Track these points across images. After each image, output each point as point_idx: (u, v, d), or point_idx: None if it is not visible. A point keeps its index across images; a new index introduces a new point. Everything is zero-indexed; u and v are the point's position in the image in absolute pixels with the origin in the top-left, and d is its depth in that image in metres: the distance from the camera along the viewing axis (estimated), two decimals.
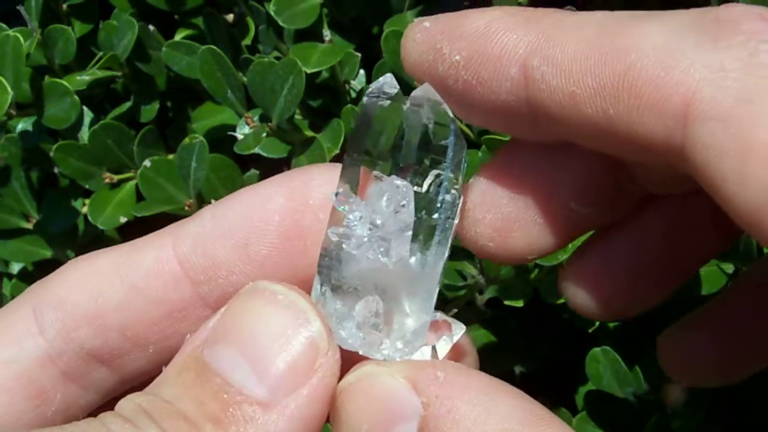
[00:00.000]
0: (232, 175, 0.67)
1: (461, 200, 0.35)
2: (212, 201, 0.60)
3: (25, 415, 0.34)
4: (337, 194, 0.33)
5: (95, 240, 0.73)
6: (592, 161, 0.35)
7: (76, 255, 0.73)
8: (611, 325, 0.63)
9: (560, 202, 0.36)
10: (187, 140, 0.63)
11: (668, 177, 0.34)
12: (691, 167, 0.28)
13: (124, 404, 0.31)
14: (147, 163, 0.66)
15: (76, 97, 0.65)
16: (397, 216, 0.33)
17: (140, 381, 0.36)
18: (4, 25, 0.69)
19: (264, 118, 0.65)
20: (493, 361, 0.61)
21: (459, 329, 0.35)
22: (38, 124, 0.68)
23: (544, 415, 0.30)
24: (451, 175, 0.34)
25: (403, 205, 0.33)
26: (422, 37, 0.34)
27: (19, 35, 0.64)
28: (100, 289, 0.35)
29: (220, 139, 0.69)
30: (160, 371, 0.33)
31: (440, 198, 0.34)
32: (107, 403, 0.36)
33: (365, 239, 0.33)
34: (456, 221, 0.35)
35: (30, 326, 0.35)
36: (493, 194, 0.36)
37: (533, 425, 0.29)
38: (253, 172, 0.68)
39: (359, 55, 0.68)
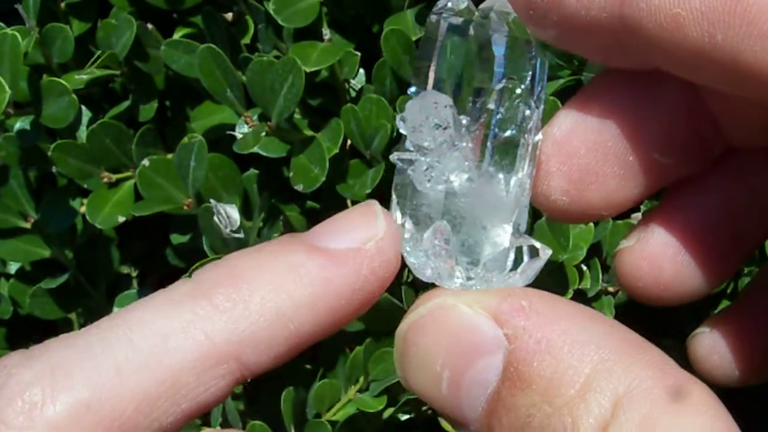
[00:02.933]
0: (231, 175, 0.66)
1: (541, 113, 0.32)
2: (211, 200, 0.60)
3: None
4: (402, 117, 0.31)
5: (93, 239, 0.73)
6: (678, 106, 0.33)
7: (75, 255, 0.73)
8: None
9: (643, 151, 0.33)
10: (185, 139, 0.63)
11: (757, 124, 0.32)
12: None
13: None
14: (145, 162, 0.65)
15: (74, 96, 0.65)
16: (441, 136, 0.30)
17: None
18: (2, 24, 0.69)
19: (263, 118, 0.65)
20: None
21: (545, 253, 0.31)
22: (36, 123, 0.67)
23: (639, 342, 0.28)
24: (531, 88, 0.32)
25: (445, 125, 0.30)
26: None
27: (17, 34, 0.63)
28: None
29: (219, 139, 0.69)
30: None
31: (519, 114, 0.32)
32: None
33: (424, 165, 0.31)
34: (539, 137, 0.32)
35: None
36: (570, 144, 0.34)
37: (629, 353, 0.27)
38: (252, 171, 0.68)
39: (359, 54, 0.68)
